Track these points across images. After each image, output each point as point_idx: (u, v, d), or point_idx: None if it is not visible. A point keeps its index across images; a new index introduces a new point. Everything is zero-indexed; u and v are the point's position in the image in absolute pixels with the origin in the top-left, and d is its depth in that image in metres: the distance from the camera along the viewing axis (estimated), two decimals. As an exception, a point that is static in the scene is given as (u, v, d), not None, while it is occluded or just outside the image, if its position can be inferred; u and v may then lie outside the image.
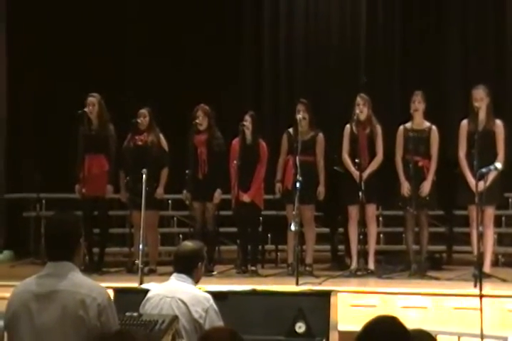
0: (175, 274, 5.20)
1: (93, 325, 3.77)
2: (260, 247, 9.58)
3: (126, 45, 11.61)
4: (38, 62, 11.29)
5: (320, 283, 7.89)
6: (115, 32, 11.52)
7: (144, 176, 8.05)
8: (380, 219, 10.14)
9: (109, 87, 10.07)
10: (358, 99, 8.77)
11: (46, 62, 11.29)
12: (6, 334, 3.89)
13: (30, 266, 9.40)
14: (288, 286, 7.60)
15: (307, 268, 8.74)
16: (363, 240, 8.63)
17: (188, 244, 5.25)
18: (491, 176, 7.64)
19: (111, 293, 4.28)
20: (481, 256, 7.49)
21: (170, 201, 10.66)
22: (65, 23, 11.31)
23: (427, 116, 8.73)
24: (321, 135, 8.95)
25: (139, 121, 9.08)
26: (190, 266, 5.13)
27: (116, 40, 11.53)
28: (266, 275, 8.72)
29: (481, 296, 6.30)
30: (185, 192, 9.02)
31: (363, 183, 8.50)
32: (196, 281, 5.16)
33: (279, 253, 9.98)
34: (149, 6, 11.73)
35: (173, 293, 5.04)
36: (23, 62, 11.19)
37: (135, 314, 4.50)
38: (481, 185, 7.33)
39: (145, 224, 8.10)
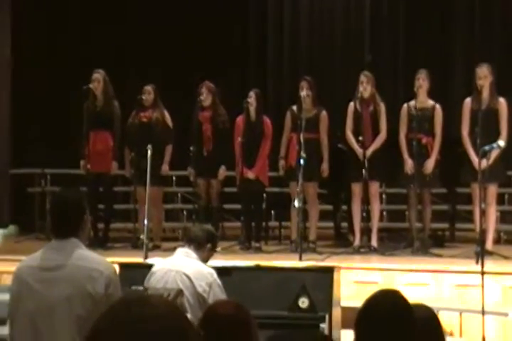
0: (180, 249, 5.26)
1: (100, 298, 3.81)
2: (264, 224, 9.63)
3: (128, 22, 11.58)
4: (42, 38, 11.28)
5: (323, 260, 7.94)
6: (118, 10, 11.51)
7: (149, 152, 8.09)
8: (384, 196, 10.15)
9: (113, 63, 10.06)
10: (362, 77, 8.77)
11: (52, 37, 11.29)
12: (11, 309, 3.92)
13: (35, 241, 9.43)
14: (291, 262, 7.64)
15: (310, 245, 8.75)
16: (366, 217, 8.66)
17: (206, 225, 5.48)
18: (494, 154, 7.65)
19: (116, 268, 4.32)
20: (483, 233, 7.52)
21: (174, 177, 10.69)
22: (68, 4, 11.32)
23: (431, 94, 8.74)
24: (324, 112, 8.95)
25: (143, 97, 9.09)
26: (199, 242, 5.21)
27: (120, 16, 11.52)
28: (269, 252, 8.77)
29: (483, 273, 6.36)
30: (189, 168, 9.05)
31: (366, 161, 8.51)
32: (203, 261, 5.21)
33: (282, 230, 10.01)
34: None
35: (177, 267, 5.10)
36: (29, 38, 11.18)
37: (140, 288, 4.55)
38: (484, 162, 7.35)
39: (149, 200, 8.14)
